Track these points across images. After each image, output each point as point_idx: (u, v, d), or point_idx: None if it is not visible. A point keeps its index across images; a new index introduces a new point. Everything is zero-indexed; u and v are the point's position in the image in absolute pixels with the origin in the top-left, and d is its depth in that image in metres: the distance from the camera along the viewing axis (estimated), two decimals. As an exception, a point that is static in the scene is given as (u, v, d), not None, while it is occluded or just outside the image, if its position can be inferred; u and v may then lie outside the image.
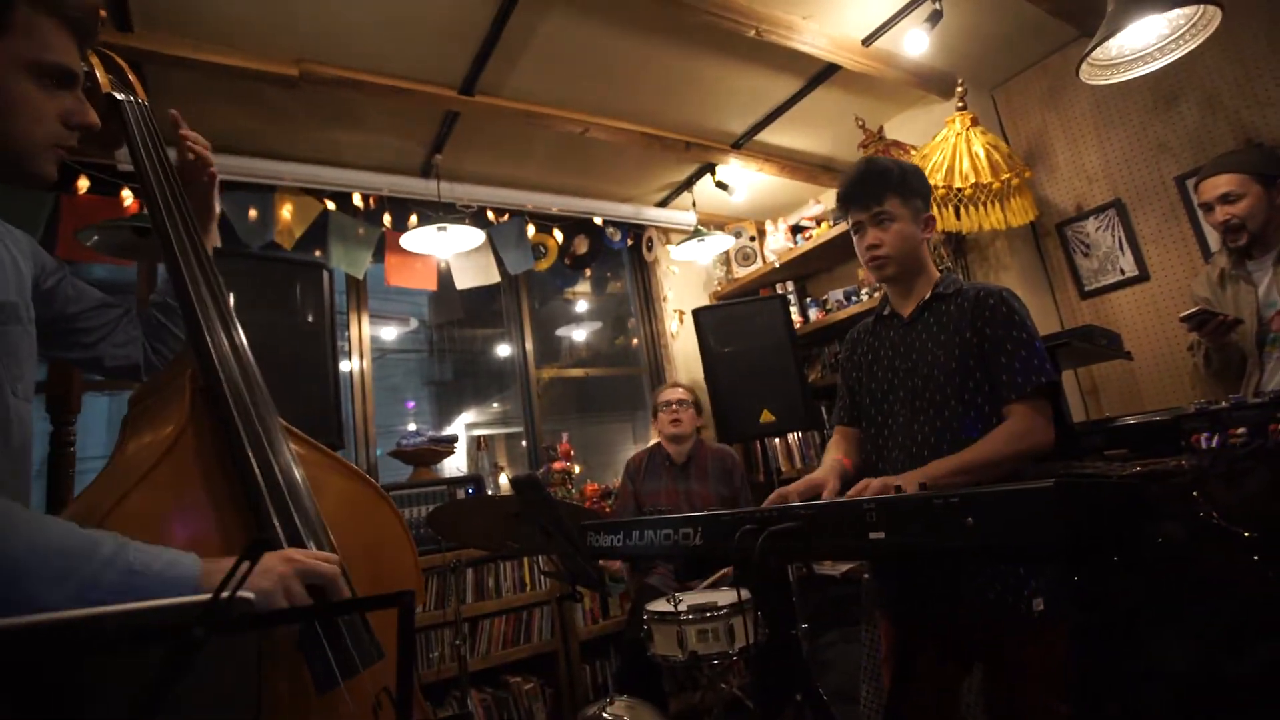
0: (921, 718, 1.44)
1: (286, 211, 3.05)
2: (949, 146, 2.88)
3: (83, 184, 2.60)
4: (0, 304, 0.88)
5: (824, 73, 2.97)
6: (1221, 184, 2.07)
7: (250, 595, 0.58)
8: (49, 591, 0.65)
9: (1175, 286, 2.74)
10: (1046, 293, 3.16)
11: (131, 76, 1.11)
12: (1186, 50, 2.07)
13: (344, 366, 3.23)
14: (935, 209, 2.88)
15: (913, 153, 3.11)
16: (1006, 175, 2.81)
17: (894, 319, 1.60)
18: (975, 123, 2.89)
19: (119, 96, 1.04)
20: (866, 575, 1.78)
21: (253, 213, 2.97)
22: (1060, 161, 3.10)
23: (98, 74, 1.04)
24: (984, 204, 2.84)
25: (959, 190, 2.83)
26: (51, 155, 0.88)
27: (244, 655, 0.60)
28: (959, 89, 2.91)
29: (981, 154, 2.83)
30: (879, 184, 1.51)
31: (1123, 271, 2.90)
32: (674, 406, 3.00)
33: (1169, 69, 2.21)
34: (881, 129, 3.35)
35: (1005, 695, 1.38)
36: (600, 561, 2.72)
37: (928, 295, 1.53)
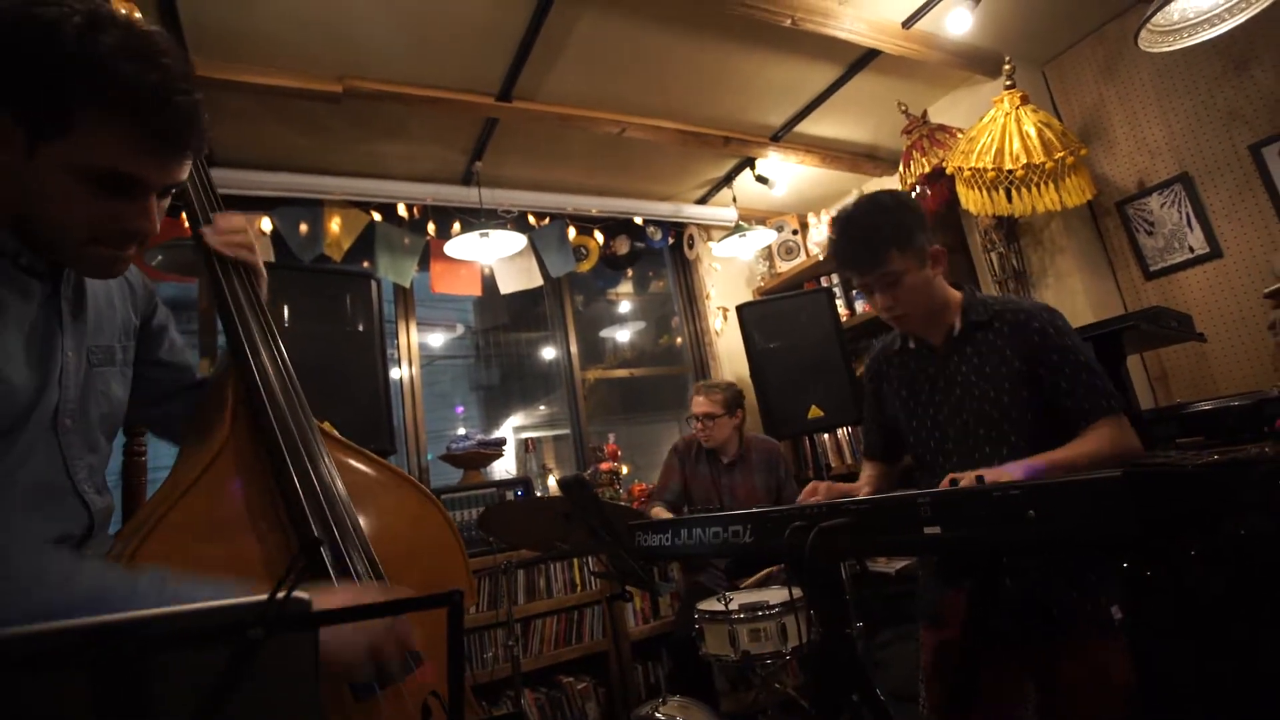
0: None
1: (335, 224, 3.15)
2: (997, 127, 2.77)
3: (147, 207, 2.73)
4: (96, 346, 0.90)
5: (863, 59, 2.90)
6: None
7: (305, 596, 0.58)
8: None
9: (1252, 263, 2.58)
10: (1108, 274, 3.01)
11: None
12: (1259, 9, 1.94)
13: (394, 374, 3.31)
14: (985, 193, 2.79)
15: (959, 136, 3.00)
16: (1060, 154, 2.68)
17: (923, 351, 1.50)
18: (1025, 101, 2.77)
19: None
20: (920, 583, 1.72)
21: (303, 227, 3.07)
22: (1119, 137, 2.95)
23: None
24: (1037, 185, 2.72)
25: (1010, 172, 2.71)
26: (90, 253, 0.78)
27: (301, 657, 0.61)
28: (1006, 67, 2.79)
29: (1033, 133, 2.71)
30: (875, 244, 1.38)
31: (1191, 249, 2.75)
32: (699, 422, 2.94)
33: (1239, 30, 2.08)
34: (925, 113, 3.25)
35: (1064, 716, 1.31)
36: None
37: (958, 324, 1.44)
